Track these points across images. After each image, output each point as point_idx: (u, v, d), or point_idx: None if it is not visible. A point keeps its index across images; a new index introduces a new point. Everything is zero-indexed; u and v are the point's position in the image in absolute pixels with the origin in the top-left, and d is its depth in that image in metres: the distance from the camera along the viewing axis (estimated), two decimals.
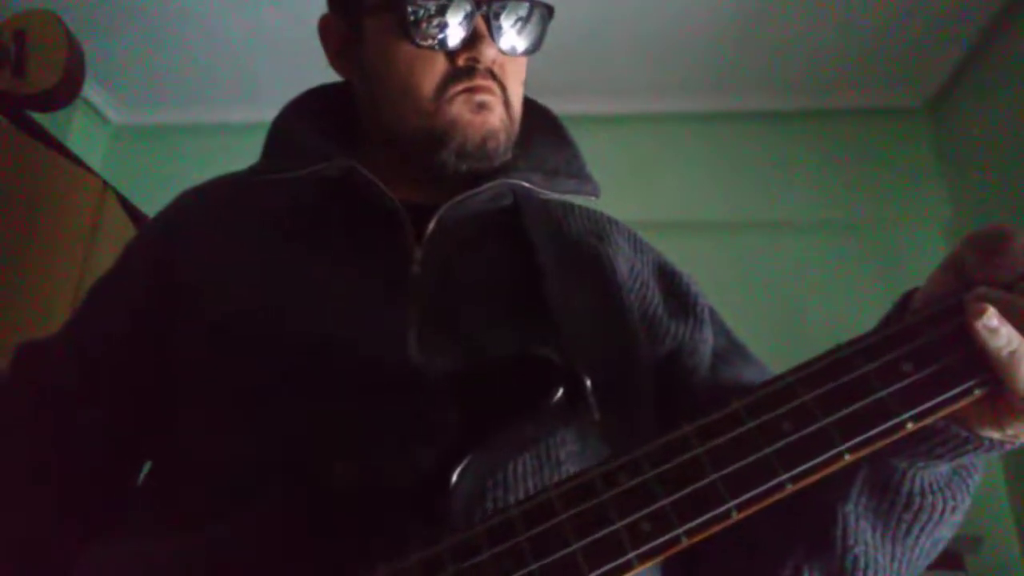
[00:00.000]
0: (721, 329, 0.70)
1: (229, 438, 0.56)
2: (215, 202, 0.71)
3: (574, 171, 0.72)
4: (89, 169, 1.84)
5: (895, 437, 0.37)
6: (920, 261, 2.18)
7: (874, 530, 0.51)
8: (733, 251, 2.23)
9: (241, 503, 0.50)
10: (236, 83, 2.40)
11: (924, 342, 0.38)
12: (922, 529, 0.51)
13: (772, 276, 2.20)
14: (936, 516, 0.50)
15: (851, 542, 0.51)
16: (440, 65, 0.65)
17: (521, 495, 0.52)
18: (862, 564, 0.51)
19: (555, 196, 0.71)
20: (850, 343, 0.40)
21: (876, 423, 0.37)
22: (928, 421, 0.37)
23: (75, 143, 2.21)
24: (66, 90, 1.73)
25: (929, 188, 2.28)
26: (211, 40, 2.27)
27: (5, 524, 0.60)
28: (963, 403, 0.37)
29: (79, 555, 0.56)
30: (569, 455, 0.56)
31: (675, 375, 0.66)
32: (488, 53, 0.64)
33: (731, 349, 0.69)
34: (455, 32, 0.64)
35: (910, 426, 0.37)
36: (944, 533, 0.52)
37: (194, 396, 0.60)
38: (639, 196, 2.24)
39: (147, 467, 0.67)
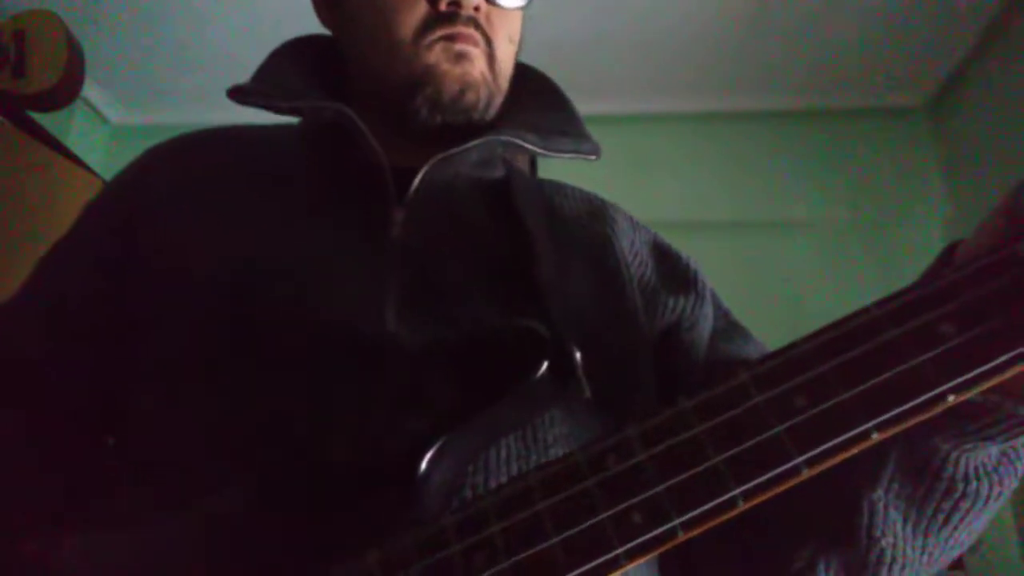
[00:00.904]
0: (720, 308, 0.66)
1: (197, 410, 0.51)
2: (183, 159, 0.67)
3: (571, 130, 0.68)
4: (89, 169, 1.85)
5: (933, 412, 0.31)
6: (920, 261, 2.14)
7: (905, 520, 0.45)
8: (733, 251, 2.21)
9: (208, 483, 0.46)
10: (236, 83, 2.36)
11: (968, 300, 0.32)
12: (962, 519, 0.45)
13: (772, 275, 2.18)
14: (980, 504, 0.44)
15: (878, 534, 0.45)
16: (421, 9, 0.62)
17: (504, 481, 0.46)
18: (888, 558, 0.45)
19: (548, 155, 0.66)
20: (879, 303, 0.34)
21: (909, 396, 0.31)
22: (972, 393, 0.31)
23: (75, 143, 2.20)
24: (66, 90, 1.77)
25: (929, 188, 2.28)
26: (211, 40, 2.26)
27: None
28: (1015, 371, 0.31)
29: (65, 540, 0.50)
30: (558, 438, 0.51)
31: (674, 350, 0.61)
32: None
33: (730, 328, 0.65)
34: None
35: (951, 399, 0.31)
36: (983, 523, 0.46)
37: (158, 366, 0.55)
38: (640, 196, 2.20)
39: (112, 443, 0.61)
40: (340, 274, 0.55)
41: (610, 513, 0.34)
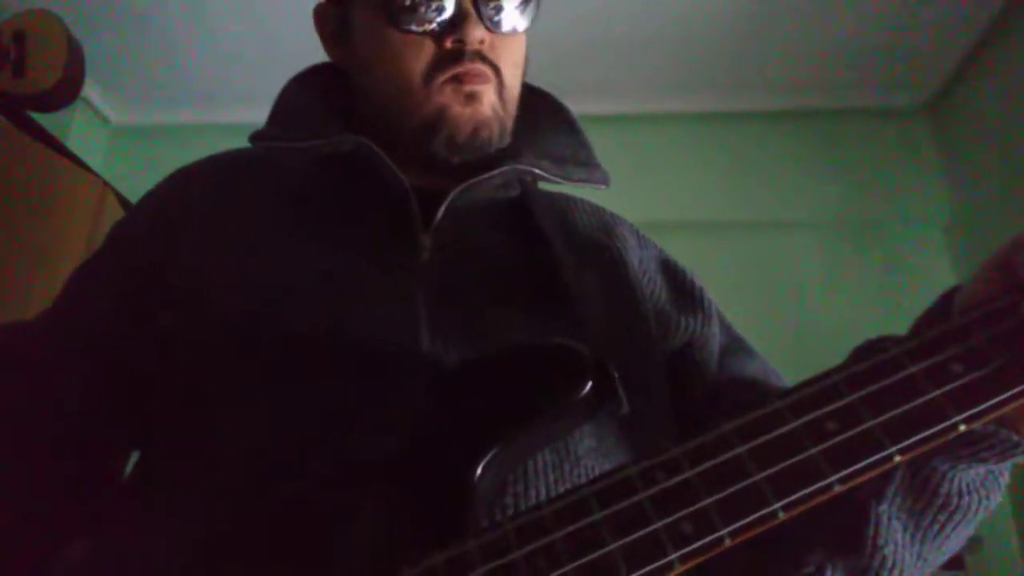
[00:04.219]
0: (723, 324, 0.70)
1: (237, 433, 0.52)
2: (210, 183, 0.67)
3: (583, 159, 0.71)
4: (89, 169, 1.83)
5: (946, 439, 0.37)
6: (920, 261, 2.20)
7: (905, 529, 0.51)
8: (734, 250, 2.23)
9: (250, 498, 0.49)
10: (236, 83, 2.37)
11: (975, 343, 0.38)
12: (954, 528, 0.51)
13: (773, 275, 2.20)
14: (970, 515, 0.51)
15: (881, 542, 0.50)
16: (427, 51, 0.62)
17: (541, 490, 0.51)
18: (889, 563, 0.51)
19: (564, 183, 0.69)
20: (896, 342, 0.39)
21: (927, 425, 0.36)
22: (979, 423, 0.37)
23: (75, 143, 2.19)
24: (66, 90, 1.73)
25: (929, 188, 2.29)
26: (211, 40, 2.26)
27: None
28: (1016, 405, 0.37)
29: (66, 551, 0.54)
30: (587, 450, 0.54)
31: (686, 369, 0.65)
32: (474, 34, 0.62)
33: (734, 343, 0.69)
34: (439, 14, 0.62)
35: (962, 428, 0.36)
36: (972, 529, 0.52)
37: (193, 387, 0.56)
38: (640, 196, 2.23)
39: (137, 458, 0.63)
40: (373, 299, 0.56)
41: (664, 523, 0.38)
